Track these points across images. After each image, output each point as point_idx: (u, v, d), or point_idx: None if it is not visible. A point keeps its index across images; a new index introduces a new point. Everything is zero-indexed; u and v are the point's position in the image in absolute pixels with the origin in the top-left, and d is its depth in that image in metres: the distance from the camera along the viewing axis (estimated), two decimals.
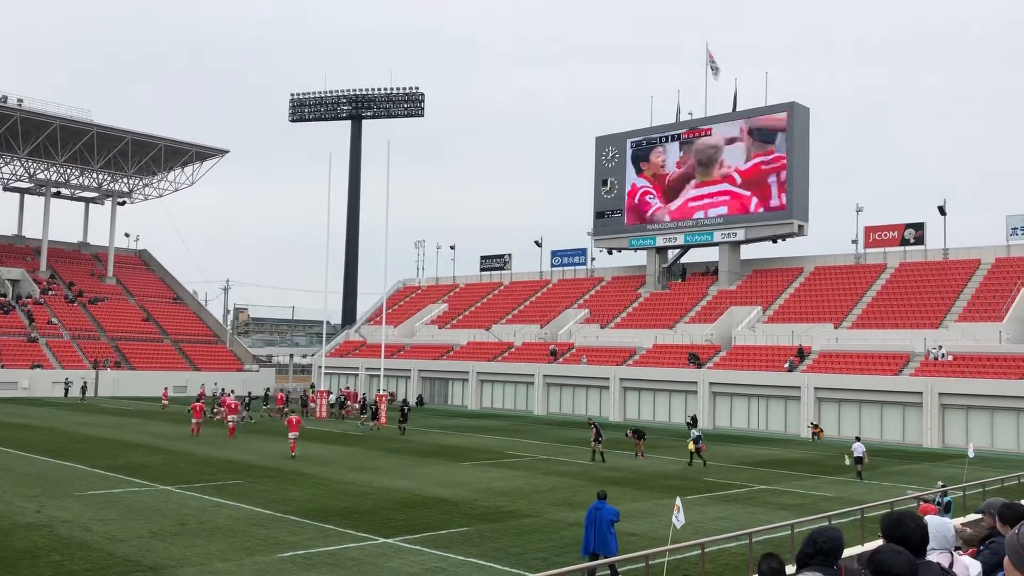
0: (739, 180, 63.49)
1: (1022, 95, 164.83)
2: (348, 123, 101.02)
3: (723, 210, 64.10)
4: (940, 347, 47.31)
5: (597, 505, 16.20)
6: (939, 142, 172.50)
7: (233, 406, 43.23)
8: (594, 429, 35.57)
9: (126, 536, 18.83)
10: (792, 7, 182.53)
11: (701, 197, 65.35)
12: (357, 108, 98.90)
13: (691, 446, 34.84)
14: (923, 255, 58.57)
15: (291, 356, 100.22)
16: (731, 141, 64.13)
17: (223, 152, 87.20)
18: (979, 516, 7.92)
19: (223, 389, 61.50)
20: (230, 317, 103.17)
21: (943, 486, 21.80)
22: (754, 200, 62.58)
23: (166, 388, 63.83)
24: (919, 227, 58.52)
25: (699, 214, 65.39)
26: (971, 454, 31.32)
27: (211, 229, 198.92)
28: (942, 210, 57.81)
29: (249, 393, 64.37)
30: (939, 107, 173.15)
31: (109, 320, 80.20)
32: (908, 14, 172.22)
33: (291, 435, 34.26)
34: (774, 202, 61.56)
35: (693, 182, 65.88)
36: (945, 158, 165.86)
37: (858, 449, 31.94)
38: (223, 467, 30.64)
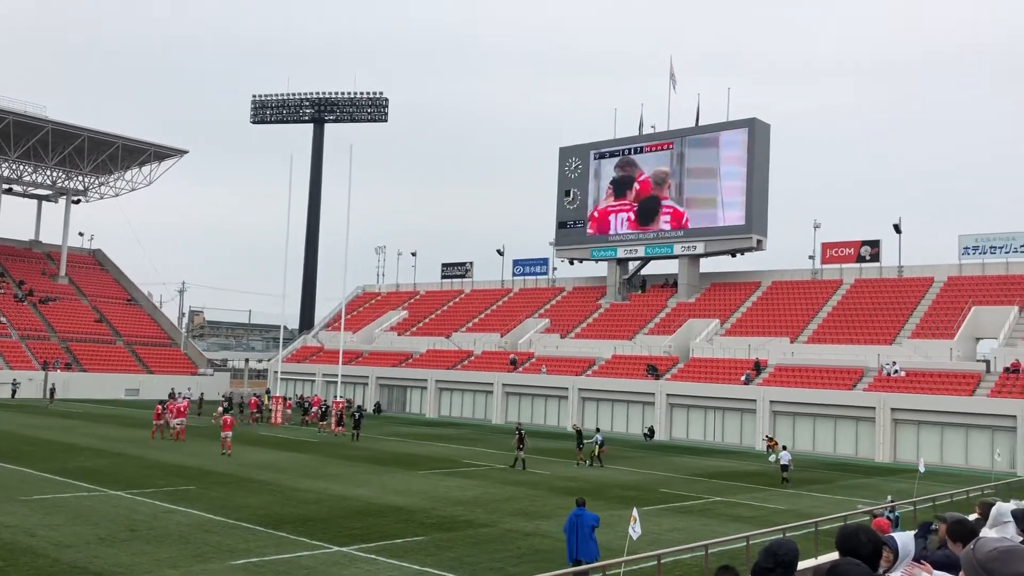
0: (699, 194, 64.08)
1: (974, 117, 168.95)
2: (310, 126, 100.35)
3: (683, 223, 64.65)
4: (894, 363, 48.10)
5: (577, 512, 16.29)
6: (896, 161, 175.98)
7: (181, 409, 42.65)
8: (518, 435, 36.13)
9: (73, 542, 18.39)
10: (755, 25, 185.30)
11: (662, 210, 65.87)
12: (320, 111, 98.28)
13: (596, 450, 37.10)
14: (878, 272, 59.56)
15: (246, 361, 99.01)
16: (692, 154, 64.73)
17: (182, 152, 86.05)
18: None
19: (175, 391, 60.46)
20: (185, 320, 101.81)
21: (892, 501, 22.13)
22: (713, 214, 63.21)
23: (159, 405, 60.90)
24: (875, 244, 59.53)
25: (660, 227, 65.89)
26: (922, 469, 31.87)
27: (168, 230, 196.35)
28: (897, 228, 58.88)
29: (201, 395, 63.58)
30: (896, 126, 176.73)
31: (60, 320, 78.58)
32: (867, 35, 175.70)
33: (224, 434, 36.40)
34: (733, 217, 62.25)
35: (654, 195, 66.36)
36: (901, 177, 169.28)
37: (784, 457, 34.01)
38: (176, 472, 30.12)
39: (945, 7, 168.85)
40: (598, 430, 41.08)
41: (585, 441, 38.39)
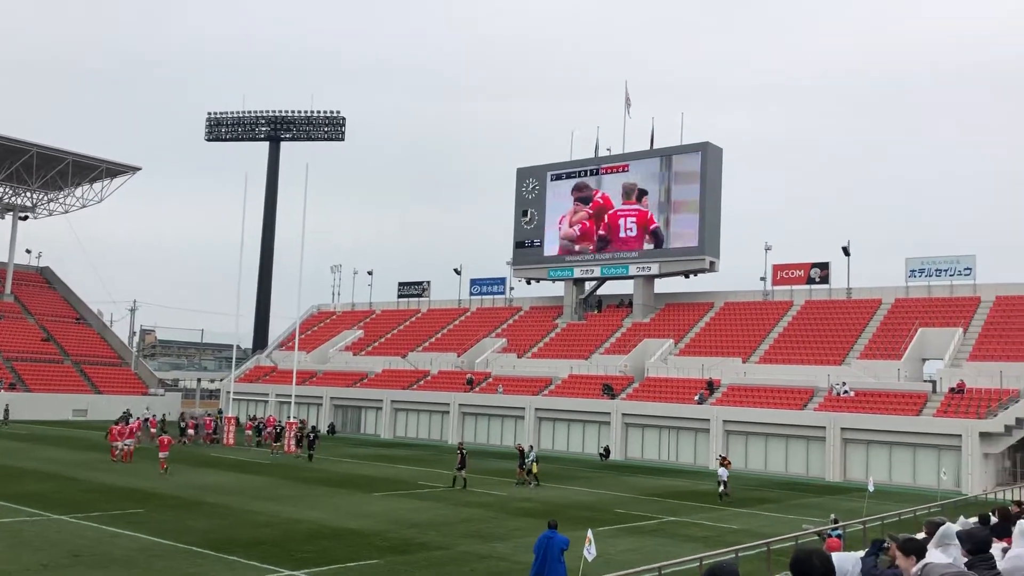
0: (654, 215, 64.83)
1: (922, 142, 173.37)
2: (266, 144, 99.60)
3: (638, 245, 65.29)
4: (844, 383, 48.91)
5: (548, 534, 16.36)
6: (845, 185, 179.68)
7: (130, 431, 41.88)
8: (460, 455, 36.33)
9: (14, 568, 17.89)
10: (709, 51, 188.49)
11: (617, 231, 66.45)
12: (276, 129, 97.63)
13: (535, 468, 37.20)
14: (828, 294, 60.62)
15: (199, 380, 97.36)
16: (647, 177, 65.52)
17: (135, 169, 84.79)
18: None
19: (129, 412, 59.23)
20: (136, 339, 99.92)
21: (835, 520, 22.49)
22: (668, 236, 63.95)
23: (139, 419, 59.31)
24: (824, 267, 60.63)
25: (615, 248, 66.44)
26: (871, 488, 32.36)
27: (119, 248, 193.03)
28: (846, 251, 60.05)
29: (164, 416, 62.37)
30: (846, 151, 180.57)
31: (5, 340, 76.62)
32: (819, 60, 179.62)
33: (161, 455, 36.79)
34: (687, 239, 63.03)
35: (609, 216, 66.95)
36: (851, 200, 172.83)
37: (722, 474, 35.66)
38: (122, 495, 29.48)
39: (897, 34, 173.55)
40: (532, 448, 41.38)
41: (526, 461, 38.29)
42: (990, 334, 50.49)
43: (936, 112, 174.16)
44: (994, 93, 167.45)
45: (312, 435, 47.18)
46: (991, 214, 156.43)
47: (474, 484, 36.94)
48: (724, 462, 47.73)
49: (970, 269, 54.90)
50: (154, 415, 58.77)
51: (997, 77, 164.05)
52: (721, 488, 34.99)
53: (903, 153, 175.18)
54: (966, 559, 6.67)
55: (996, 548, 7.58)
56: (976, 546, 6.62)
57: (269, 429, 55.33)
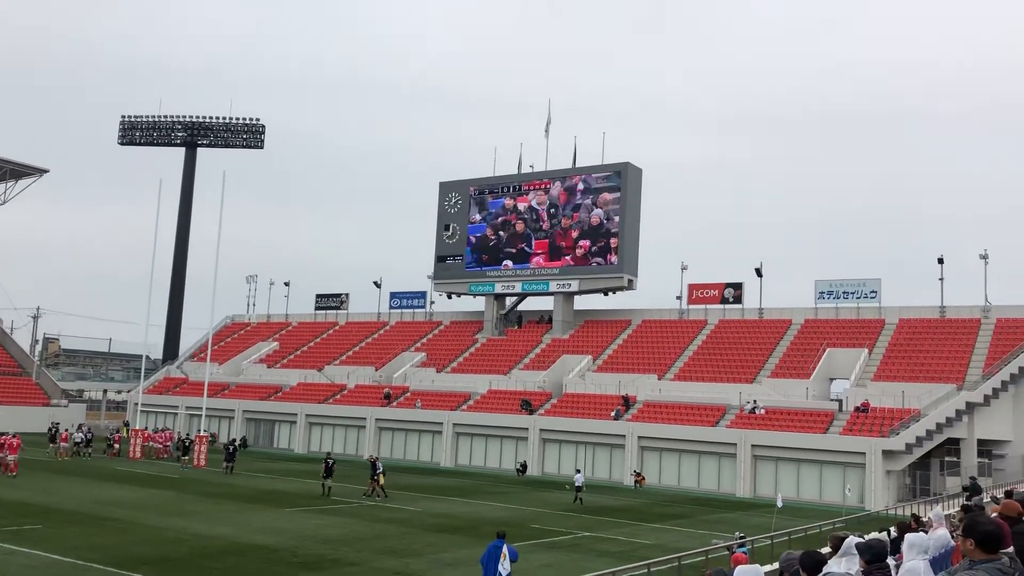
0: (574, 233, 65.61)
1: (832, 169, 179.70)
2: (182, 150, 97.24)
3: (559, 261, 65.91)
4: (755, 401, 50.15)
5: (497, 544, 16.38)
6: (759, 208, 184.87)
7: (15, 444, 40.11)
8: (325, 464, 37.93)
9: None
10: (629, 74, 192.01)
11: (538, 247, 66.99)
12: (193, 135, 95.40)
13: (381, 479, 37.43)
14: (740, 313, 62.19)
15: (104, 392, 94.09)
16: (568, 195, 66.30)
17: (42, 171, 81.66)
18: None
19: (58, 424, 56.95)
20: (38, 347, 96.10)
21: (741, 536, 23.05)
22: (588, 254, 64.76)
23: (67, 430, 56.75)
24: (738, 287, 62.22)
25: (536, 264, 66.94)
26: (779, 504, 33.20)
27: (23, 252, 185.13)
28: (759, 272, 61.73)
29: (90, 428, 59.94)
30: (760, 175, 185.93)
31: None
32: (735, 88, 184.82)
33: (10, 457, 36.87)
34: (607, 257, 63.94)
35: (531, 233, 67.47)
36: (763, 223, 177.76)
37: (578, 479, 39.20)
38: (18, 511, 28.24)
39: (808, 65, 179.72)
40: (378, 459, 41.35)
41: (377, 473, 38.26)
42: (893, 355, 52.50)
43: (847, 140, 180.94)
44: (892, 125, 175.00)
45: (232, 447, 46.41)
46: (896, 240, 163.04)
47: (389, 499, 36.59)
48: (638, 478, 48.62)
49: (875, 292, 57.04)
50: (66, 429, 56.59)
51: (894, 109, 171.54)
52: (578, 493, 38.44)
53: (816, 179, 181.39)
54: (863, 569, 6.97)
55: (892, 561, 7.91)
56: (874, 556, 6.94)
57: (168, 444, 54.63)
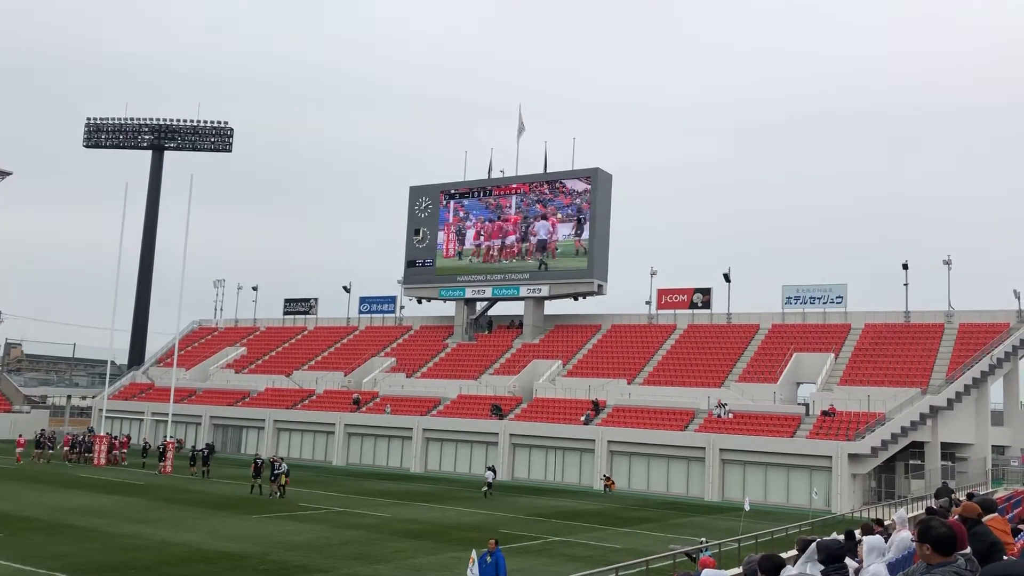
0: (545, 238, 65.73)
1: (800, 175, 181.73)
2: (149, 153, 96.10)
3: (529, 266, 66.00)
4: (725, 405, 50.50)
5: (495, 554, 16.42)
6: (727, 214, 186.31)
7: None
8: (254, 465, 40.31)
9: None
10: (600, 80, 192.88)
11: (508, 252, 67.03)
12: (160, 138, 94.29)
13: (284, 479, 38.44)
14: (709, 318, 62.62)
15: (68, 397, 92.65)
16: (539, 200, 66.43)
17: (5, 173, 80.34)
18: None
19: (44, 432, 56.31)
20: (0, 352, 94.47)
21: (704, 542, 23.23)
22: (558, 258, 64.91)
23: (21, 435, 55.73)
24: (706, 292, 62.66)
25: (506, 269, 66.96)
26: (747, 507, 33.45)
27: None
28: (727, 277, 62.23)
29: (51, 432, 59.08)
30: (728, 181, 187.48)
31: None
32: (707, 96, 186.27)
33: None
34: (577, 262, 64.13)
35: (501, 237, 67.50)
36: (731, 229, 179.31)
37: (489, 476, 43.67)
38: None
39: (776, 71, 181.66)
40: (283, 459, 42.42)
41: (276, 473, 38.93)
42: (859, 360, 53.13)
43: (817, 148, 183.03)
44: (862, 133, 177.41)
45: (206, 451, 46.33)
46: (861, 246, 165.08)
47: (356, 505, 36.40)
48: (608, 482, 48.77)
49: (842, 298, 57.71)
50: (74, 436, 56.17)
51: (862, 113, 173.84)
52: (486, 488, 42.31)
53: (783, 184, 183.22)
54: (822, 568, 7.08)
55: (852, 563, 8.01)
56: (830, 556, 7.06)
57: (124, 450, 54.60)
